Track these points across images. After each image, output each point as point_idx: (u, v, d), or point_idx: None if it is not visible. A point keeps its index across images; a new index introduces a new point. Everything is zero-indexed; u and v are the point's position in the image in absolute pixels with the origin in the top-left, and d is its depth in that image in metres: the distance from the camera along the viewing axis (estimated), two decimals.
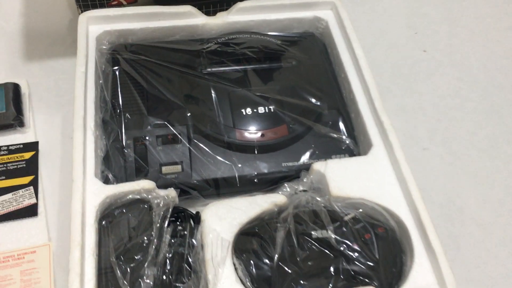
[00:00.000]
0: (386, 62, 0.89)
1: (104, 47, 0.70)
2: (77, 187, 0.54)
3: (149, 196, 0.57)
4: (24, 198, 0.66)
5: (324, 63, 0.73)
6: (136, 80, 0.67)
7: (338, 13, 0.74)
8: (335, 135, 0.65)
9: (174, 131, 0.63)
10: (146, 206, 0.55)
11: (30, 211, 0.65)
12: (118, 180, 0.60)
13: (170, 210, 0.56)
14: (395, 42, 0.92)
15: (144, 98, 0.65)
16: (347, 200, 0.58)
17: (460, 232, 0.69)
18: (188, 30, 0.73)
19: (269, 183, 0.63)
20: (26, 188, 0.67)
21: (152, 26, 0.72)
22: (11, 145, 0.71)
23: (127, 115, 0.64)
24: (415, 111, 0.82)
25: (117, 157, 0.61)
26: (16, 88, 0.75)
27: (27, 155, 0.70)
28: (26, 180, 0.68)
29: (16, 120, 0.71)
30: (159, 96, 0.66)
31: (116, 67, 0.67)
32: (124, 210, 0.55)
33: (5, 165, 0.69)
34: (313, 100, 0.67)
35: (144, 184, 0.57)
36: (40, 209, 0.65)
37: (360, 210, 0.57)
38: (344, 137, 0.65)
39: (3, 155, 0.70)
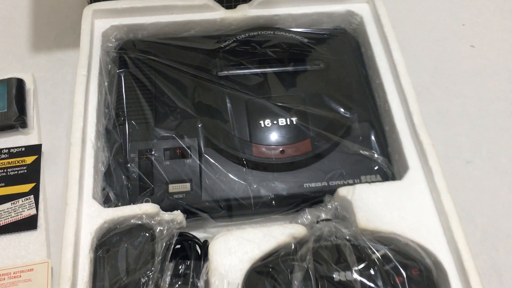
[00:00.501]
0: (427, 58, 0.79)
1: (110, 44, 0.63)
2: (71, 212, 0.48)
3: (152, 222, 0.50)
4: (23, 209, 0.61)
5: (357, 66, 0.64)
6: (143, 84, 0.60)
7: (375, 7, 0.65)
8: (366, 153, 0.57)
9: (183, 145, 0.56)
10: (148, 234, 0.49)
11: (29, 224, 0.60)
12: (120, 199, 0.54)
13: (175, 239, 0.50)
14: (438, 35, 0.81)
15: (152, 106, 0.59)
16: (377, 234, 0.50)
17: (505, 262, 0.61)
18: (204, 25, 0.66)
19: (287, 206, 0.56)
20: (26, 197, 0.62)
21: (164, 20, 0.65)
22: (13, 148, 0.66)
23: (132, 124, 0.57)
24: (458, 117, 0.73)
25: (119, 173, 0.55)
26: (20, 84, 0.70)
27: (29, 159, 0.65)
28: (26, 188, 0.63)
29: (18, 121, 0.66)
30: (168, 103, 0.59)
31: (121, 70, 0.60)
32: (123, 238, 0.49)
33: (5, 170, 0.64)
34: (342, 111, 0.59)
35: (146, 208, 0.50)
36: (40, 221, 0.60)
37: (391, 246, 0.49)
38: (376, 155, 0.57)
39: (4, 158, 0.65)
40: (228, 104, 0.58)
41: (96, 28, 0.63)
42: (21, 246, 0.58)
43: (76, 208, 0.49)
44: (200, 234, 0.57)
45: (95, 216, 0.50)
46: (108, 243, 0.49)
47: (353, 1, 0.67)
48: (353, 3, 0.67)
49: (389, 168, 0.57)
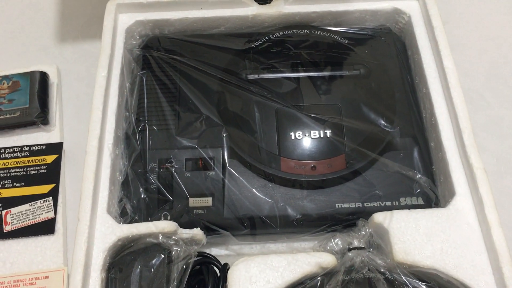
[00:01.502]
0: (481, 59, 0.71)
1: (134, 42, 0.59)
2: (82, 229, 0.45)
3: (169, 241, 0.47)
4: (41, 211, 0.59)
5: (402, 72, 0.57)
6: (167, 87, 0.56)
7: (425, 5, 0.58)
8: (407, 172, 0.51)
9: (205, 156, 0.52)
10: (163, 255, 0.46)
11: (47, 228, 0.58)
12: (137, 212, 0.50)
13: (192, 261, 0.46)
14: (494, 33, 0.73)
15: (174, 111, 0.54)
16: (415, 268, 0.45)
17: None
18: (235, 21, 0.60)
19: (316, 227, 0.51)
20: (45, 199, 0.60)
21: (192, 16, 0.60)
22: (33, 146, 0.63)
23: (153, 131, 0.54)
24: None
25: (137, 184, 0.51)
26: (43, 78, 0.67)
27: (49, 158, 0.63)
28: (45, 189, 0.61)
29: (39, 118, 0.63)
30: (191, 109, 0.54)
31: (143, 71, 0.56)
32: (137, 258, 0.46)
33: (25, 169, 0.62)
34: (382, 123, 0.53)
35: (164, 226, 0.47)
36: (58, 225, 0.58)
37: (432, 283, 0.44)
38: (418, 175, 0.51)
39: (25, 156, 0.63)
40: (256, 113, 0.54)
41: (120, 23, 0.59)
42: (37, 251, 0.56)
43: (88, 225, 0.45)
44: (221, 251, 0.54)
45: (108, 234, 0.46)
46: (121, 263, 0.46)
47: None
48: (401, 0, 0.60)
49: (433, 191, 0.51)
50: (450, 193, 0.49)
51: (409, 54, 0.60)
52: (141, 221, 0.50)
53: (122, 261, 0.46)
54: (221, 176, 0.52)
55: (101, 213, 0.48)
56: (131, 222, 0.50)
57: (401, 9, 0.60)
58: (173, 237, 0.47)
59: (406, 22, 0.60)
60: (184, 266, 0.46)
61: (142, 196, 0.51)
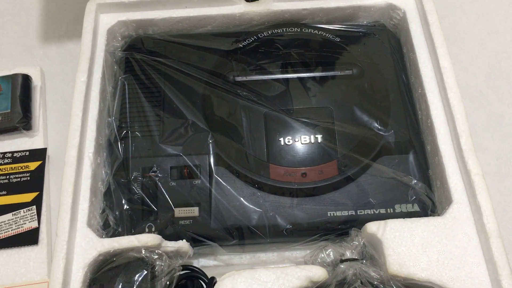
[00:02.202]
0: (482, 54, 0.68)
1: (116, 44, 0.56)
2: (60, 246, 0.43)
3: (153, 256, 0.45)
4: (25, 221, 0.57)
5: (396, 71, 0.55)
6: (150, 91, 0.53)
7: (421, 0, 0.55)
8: (403, 178, 0.49)
9: (191, 164, 0.50)
10: (147, 270, 0.44)
11: (30, 238, 0.56)
12: (120, 223, 0.48)
13: (177, 276, 0.44)
14: (495, 27, 0.70)
15: (158, 117, 0.52)
16: (410, 281, 0.43)
17: None
18: (222, 20, 0.58)
19: (307, 237, 0.48)
20: (28, 208, 0.58)
21: (177, 15, 0.58)
22: (16, 152, 0.61)
23: (136, 138, 0.51)
24: None
25: (119, 194, 0.49)
26: (26, 80, 0.65)
27: (33, 165, 0.60)
28: (29, 197, 0.59)
29: (22, 123, 0.61)
30: (176, 114, 0.52)
31: (125, 76, 0.54)
32: (119, 274, 0.44)
33: (7, 176, 0.60)
34: (376, 126, 0.51)
35: (147, 240, 0.45)
36: (42, 235, 0.56)
37: None
38: (414, 181, 0.49)
39: (7, 163, 0.61)
40: (244, 118, 0.51)
41: (101, 24, 0.57)
42: (20, 263, 0.55)
43: (67, 241, 0.43)
44: (209, 262, 0.52)
45: (89, 248, 0.44)
46: (102, 279, 0.44)
47: None
48: None
49: (430, 197, 0.48)
50: (447, 200, 0.47)
51: (404, 52, 0.57)
52: (124, 233, 0.48)
53: (103, 277, 0.44)
54: (208, 184, 0.49)
55: (81, 227, 0.45)
56: (113, 234, 0.48)
57: (395, 5, 0.57)
58: (157, 251, 0.45)
59: (401, 18, 0.57)
60: (168, 282, 0.44)
61: (125, 207, 0.49)
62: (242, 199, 0.49)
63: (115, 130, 0.51)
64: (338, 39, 0.56)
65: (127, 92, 0.53)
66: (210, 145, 0.51)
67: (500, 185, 0.59)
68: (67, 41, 0.71)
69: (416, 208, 0.48)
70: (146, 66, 0.54)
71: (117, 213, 0.48)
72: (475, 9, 0.71)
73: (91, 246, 0.44)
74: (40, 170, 0.60)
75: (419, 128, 0.53)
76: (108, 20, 0.57)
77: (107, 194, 0.50)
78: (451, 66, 0.50)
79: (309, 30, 0.57)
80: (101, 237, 0.47)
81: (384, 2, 0.57)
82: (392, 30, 0.59)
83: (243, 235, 0.48)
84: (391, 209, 0.48)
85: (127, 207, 0.49)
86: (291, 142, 0.50)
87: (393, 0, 0.57)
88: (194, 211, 0.49)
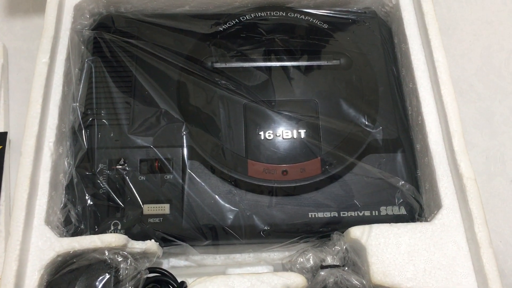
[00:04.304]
0: (474, 45, 0.65)
1: (84, 22, 0.51)
2: (13, 245, 0.39)
3: (118, 258, 0.41)
4: None
5: (386, 63, 0.51)
6: (119, 76, 0.49)
7: None
8: (389, 179, 0.46)
9: (162, 157, 0.46)
10: (110, 274, 0.40)
11: None
12: (83, 220, 0.44)
13: (143, 279, 0.40)
14: (489, 16, 0.67)
15: (128, 104, 0.48)
16: None
17: None
18: (201, 0, 0.53)
19: (286, 239, 0.45)
20: None
21: None
22: None
23: (103, 127, 0.47)
24: (507, 122, 0.60)
25: (83, 188, 0.45)
26: None
27: None
28: None
29: None
30: (148, 102, 0.48)
31: (92, 57, 0.49)
32: (79, 277, 0.40)
33: None
34: (364, 122, 0.47)
35: (111, 240, 0.41)
36: (0, 227, 0.51)
37: None
38: (402, 182, 0.46)
39: None
40: (222, 108, 0.47)
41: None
42: None
43: (21, 240, 0.39)
44: (180, 262, 0.48)
45: (46, 249, 0.40)
46: (60, 282, 0.40)
47: None
48: None
49: (417, 200, 0.45)
50: (436, 205, 0.44)
51: (396, 42, 0.53)
52: (87, 231, 0.44)
53: (62, 280, 0.40)
54: (180, 180, 0.46)
55: (38, 225, 0.41)
56: (75, 232, 0.44)
57: None
58: (122, 252, 0.41)
59: (393, 6, 0.54)
60: (133, 287, 0.40)
61: (88, 202, 0.45)
62: (217, 196, 0.45)
63: (80, 117, 0.47)
64: (325, 26, 0.52)
65: (94, 75, 0.48)
66: (184, 137, 0.47)
67: (489, 184, 0.56)
68: (34, 16, 0.66)
69: (403, 211, 0.45)
70: (116, 48, 0.50)
71: (79, 208, 0.44)
72: None
73: (48, 246, 0.40)
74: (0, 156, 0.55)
75: (408, 125, 0.49)
76: None
77: (69, 187, 0.45)
78: (445, 60, 0.47)
79: (295, 15, 0.53)
80: (61, 235, 0.43)
81: None
82: (383, 18, 0.55)
83: (217, 236, 0.45)
84: (376, 212, 0.45)
85: (91, 202, 0.44)
86: (271, 136, 0.46)
87: None
88: (165, 208, 0.45)
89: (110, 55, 0.50)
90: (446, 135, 0.45)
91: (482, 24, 0.66)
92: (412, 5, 0.52)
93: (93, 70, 0.49)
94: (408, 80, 0.50)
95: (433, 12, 0.49)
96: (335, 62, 0.50)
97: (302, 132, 0.47)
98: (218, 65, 0.50)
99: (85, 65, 0.49)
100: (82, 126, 0.46)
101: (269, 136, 0.46)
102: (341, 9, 0.54)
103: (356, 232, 0.42)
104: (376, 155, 0.47)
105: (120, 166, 0.46)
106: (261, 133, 0.47)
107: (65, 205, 0.45)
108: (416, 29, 0.51)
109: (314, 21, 0.53)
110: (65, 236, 0.43)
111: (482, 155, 0.58)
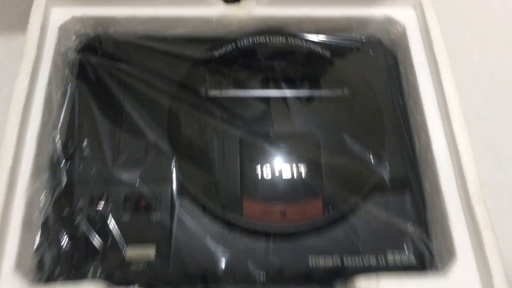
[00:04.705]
0: (479, 71, 0.62)
1: (69, 44, 0.47)
2: None
3: None
4: None
5: (392, 93, 0.48)
6: (106, 103, 0.45)
7: (423, 15, 0.49)
8: (397, 222, 0.42)
9: (149, 193, 0.42)
10: None
11: None
12: (59, 264, 0.40)
13: None
14: (497, 41, 0.64)
15: (114, 134, 0.44)
16: None
17: None
18: (196, 23, 0.50)
19: (284, 287, 0.41)
20: None
21: (143, 13, 0.49)
22: None
23: (84, 159, 0.43)
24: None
25: (60, 228, 0.41)
26: None
27: None
28: None
29: None
30: (135, 133, 0.44)
31: (76, 82, 0.45)
32: None
33: None
34: (369, 158, 0.44)
35: None
36: None
37: None
38: (410, 226, 0.42)
39: None
40: (216, 141, 0.43)
41: (52, 19, 0.48)
42: None
43: None
44: None
45: None
46: None
47: (394, 3, 0.50)
48: (395, 7, 0.50)
49: (428, 247, 0.41)
50: (449, 253, 0.40)
51: (402, 71, 0.50)
52: (63, 276, 0.39)
53: None
54: (168, 219, 0.41)
55: (8, 272, 0.37)
56: (50, 277, 0.39)
57: (394, 18, 0.50)
58: None
59: (399, 34, 0.50)
60: None
61: (66, 244, 0.40)
62: (208, 239, 0.41)
63: (60, 148, 0.42)
64: (328, 53, 0.49)
65: (77, 102, 0.45)
66: (174, 171, 0.43)
67: (501, 232, 0.52)
68: (18, 34, 0.62)
69: (412, 259, 0.41)
70: (103, 72, 0.46)
71: (55, 251, 0.40)
72: (474, 22, 0.65)
73: None
74: None
75: (416, 162, 0.46)
76: (61, 15, 0.48)
77: (45, 226, 0.41)
78: (456, 93, 0.44)
79: (296, 41, 0.49)
80: (34, 281, 0.38)
81: (382, 14, 0.50)
82: (388, 46, 0.52)
83: (207, 282, 0.41)
84: (383, 258, 0.41)
85: (69, 244, 0.40)
86: (269, 173, 0.43)
87: (392, 13, 0.50)
88: (151, 251, 0.41)
89: (96, 79, 0.46)
90: (459, 177, 0.41)
91: (489, 50, 0.64)
92: (419, 33, 0.49)
93: (77, 96, 0.45)
94: (416, 112, 0.46)
95: (443, 42, 0.46)
96: (338, 92, 0.47)
97: (303, 169, 0.43)
98: (213, 93, 0.46)
99: (68, 90, 0.45)
100: (62, 157, 0.42)
101: (267, 173, 0.43)
102: (343, 35, 0.51)
103: (362, 283, 0.38)
104: (383, 195, 0.43)
105: (103, 204, 0.41)
106: (258, 169, 0.43)
107: (39, 247, 0.40)
108: (424, 59, 0.48)
109: (316, 48, 0.49)
110: (39, 282, 0.38)
111: (494, 193, 0.55)
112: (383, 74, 0.49)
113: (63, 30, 0.48)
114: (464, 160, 0.41)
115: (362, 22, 0.51)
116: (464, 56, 0.62)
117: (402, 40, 0.50)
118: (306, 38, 0.50)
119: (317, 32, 0.51)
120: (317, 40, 0.50)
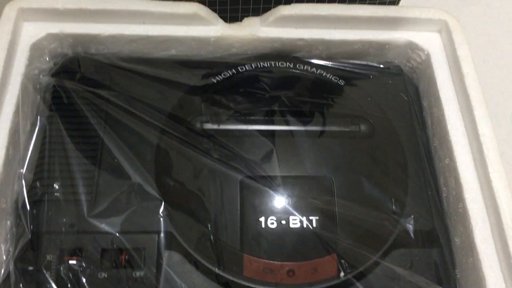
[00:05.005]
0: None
1: (42, 66, 0.41)
2: None
3: None
4: None
5: (416, 130, 0.42)
6: (82, 137, 0.38)
7: (451, 40, 0.43)
8: (423, 283, 0.36)
9: (131, 246, 0.35)
10: None
11: None
12: None
13: None
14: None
15: (90, 175, 0.37)
16: None
17: None
18: (192, 44, 0.44)
19: None
20: None
21: (131, 32, 0.43)
22: None
23: (54, 204, 0.36)
24: None
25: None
26: None
27: None
28: None
29: None
30: (116, 173, 0.37)
31: (49, 112, 0.39)
32: None
33: None
34: (390, 207, 0.37)
35: None
36: None
37: None
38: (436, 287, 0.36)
39: None
40: (212, 185, 0.37)
41: (24, 36, 0.41)
42: None
43: None
44: None
45: None
46: None
47: (416, 27, 0.44)
48: (418, 32, 0.45)
49: None
50: None
51: (425, 105, 0.44)
52: None
53: None
54: (153, 279, 0.35)
55: None
56: None
57: (417, 44, 0.44)
58: None
59: (422, 62, 0.45)
60: None
61: None
62: None
63: (25, 190, 0.36)
64: (342, 82, 0.43)
65: (48, 135, 0.38)
66: (162, 220, 0.36)
67: None
68: None
69: None
70: (80, 100, 0.39)
71: None
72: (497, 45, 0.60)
73: None
74: None
75: (443, 210, 0.39)
76: (34, 31, 0.41)
77: (5, 285, 0.34)
78: (493, 134, 0.38)
79: (306, 67, 0.43)
80: None
81: (402, 39, 0.44)
82: (408, 75, 0.46)
83: None
84: None
85: None
86: (275, 224, 0.36)
87: (414, 37, 0.44)
88: None
89: (72, 108, 0.39)
90: (497, 231, 0.35)
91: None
92: (446, 62, 0.43)
93: (49, 128, 0.38)
94: (443, 154, 0.40)
95: (475, 73, 0.41)
96: (354, 128, 0.41)
97: (314, 220, 0.36)
98: (209, 126, 0.40)
99: (39, 120, 0.38)
100: (27, 202, 0.35)
101: (272, 223, 0.36)
102: (359, 62, 0.45)
103: None
104: (406, 251, 0.37)
105: (75, 259, 0.35)
106: (262, 219, 0.36)
107: None
108: (453, 92, 0.42)
109: (328, 75, 0.43)
110: None
111: None
112: (405, 107, 0.43)
113: (36, 49, 0.41)
114: (504, 213, 0.35)
115: (380, 47, 0.45)
116: (498, 87, 0.56)
117: (425, 69, 0.45)
118: (317, 64, 0.44)
119: (330, 57, 0.45)
120: (329, 66, 0.44)
